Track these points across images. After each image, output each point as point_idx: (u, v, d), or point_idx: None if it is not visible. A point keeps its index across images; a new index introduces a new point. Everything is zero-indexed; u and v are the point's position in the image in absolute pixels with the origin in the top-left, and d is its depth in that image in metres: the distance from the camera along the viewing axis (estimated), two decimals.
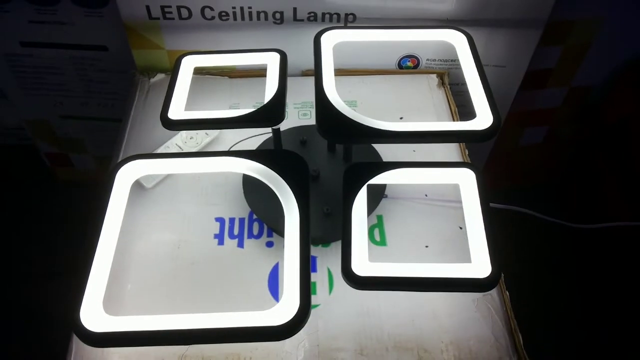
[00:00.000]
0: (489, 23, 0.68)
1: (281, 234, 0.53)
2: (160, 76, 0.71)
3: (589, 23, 0.77)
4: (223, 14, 0.66)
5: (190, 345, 0.46)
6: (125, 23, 0.67)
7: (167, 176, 0.59)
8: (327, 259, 0.53)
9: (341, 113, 0.46)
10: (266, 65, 0.52)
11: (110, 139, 0.66)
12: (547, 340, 0.90)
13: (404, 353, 0.46)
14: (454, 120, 0.66)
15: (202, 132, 0.63)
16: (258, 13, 0.66)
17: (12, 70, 0.85)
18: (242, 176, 0.56)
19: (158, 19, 0.66)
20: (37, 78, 0.87)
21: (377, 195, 0.54)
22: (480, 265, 0.38)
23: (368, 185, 0.43)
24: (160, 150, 0.61)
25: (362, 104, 0.68)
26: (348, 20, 0.67)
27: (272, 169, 0.43)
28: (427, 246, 0.53)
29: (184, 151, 0.61)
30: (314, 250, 0.53)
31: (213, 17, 0.66)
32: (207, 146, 0.63)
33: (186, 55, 0.54)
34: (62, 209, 1.04)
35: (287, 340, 0.41)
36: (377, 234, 0.54)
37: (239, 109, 0.63)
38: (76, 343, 0.47)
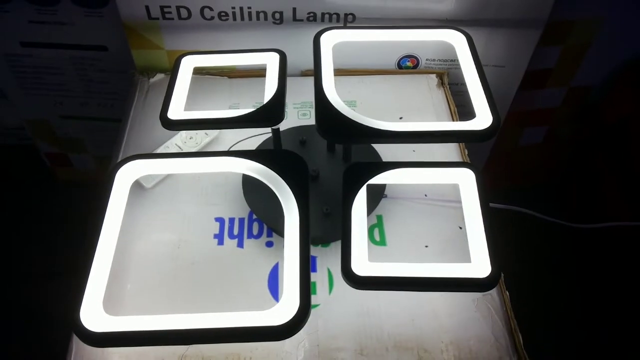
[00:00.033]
0: (488, 23, 0.68)
1: (281, 234, 0.53)
2: (159, 76, 0.71)
3: (588, 23, 0.77)
4: (222, 14, 0.66)
5: (190, 345, 0.46)
6: (124, 23, 0.67)
7: (167, 176, 0.59)
8: (327, 258, 0.53)
9: (341, 113, 0.46)
10: (266, 65, 0.52)
11: (110, 139, 0.66)
12: (547, 340, 0.90)
13: (404, 353, 0.46)
14: (453, 120, 0.66)
15: (201, 132, 0.63)
16: (257, 13, 0.66)
17: (12, 70, 0.85)
18: (241, 176, 0.56)
19: (157, 19, 0.66)
20: (37, 78, 0.87)
21: (376, 195, 0.54)
22: (480, 265, 0.38)
23: (368, 185, 0.43)
24: (159, 150, 0.61)
25: (362, 104, 0.68)
26: (347, 20, 0.67)
27: (271, 169, 0.43)
28: (426, 246, 0.53)
29: (184, 151, 0.61)
30: (314, 250, 0.53)
31: (212, 17, 0.66)
32: (207, 146, 0.63)
33: (186, 55, 0.54)
34: (62, 209, 1.03)
35: (287, 340, 0.41)
36: (377, 234, 0.54)
37: (238, 109, 0.63)
38: (76, 343, 0.47)
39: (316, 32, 0.54)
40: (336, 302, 0.50)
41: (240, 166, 0.45)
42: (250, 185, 0.55)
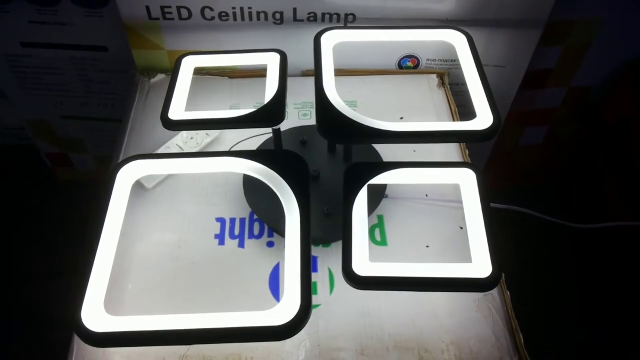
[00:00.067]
0: (488, 23, 0.68)
1: (282, 234, 0.53)
2: (160, 76, 0.71)
3: (589, 23, 0.78)
4: (223, 14, 0.66)
5: (191, 345, 0.46)
6: (125, 23, 0.67)
7: (168, 176, 0.59)
8: (328, 258, 0.53)
9: (341, 113, 0.46)
10: (266, 65, 0.52)
11: (110, 139, 0.66)
12: (548, 340, 0.90)
13: (405, 353, 0.46)
14: (454, 120, 0.66)
15: (202, 132, 0.63)
16: (258, 13, 0.66)
17: (12, 70, 0.85)
18: (242, 176, 0.56)
19: (158, 19, 0.66)
20: (37, 78, 0.87)
21: (377, 195, 0.54)
22: (480, 265, 0.38)
23: (368, 185, 0.43)
24: (160, 151, 0.61)
25: (362, 104, 0.68)
26: (348, 20, 0.67)
27: (272, 169, 0.43)
28: (427, 246, 0.53)
29: (185, 151, 0.61)
30: (315, 250, 0.53)
31: (213, 18, 0.66)
32: (208, 146, 0.63)
33: (186, 55, 0.54)
34: (62, 209, 1.03)
35: (288, 340, 0.41)
36: (378, 234, 0.54)
37: (239, 109, 0.63)
38: (77, 343, 0.47)
39: (316, 32, 0.54)
40: (337, 302, 0.50)
41: (241, 166, 0.45)
42: (251, 186, 0.55)
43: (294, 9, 0.65)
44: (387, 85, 0.71)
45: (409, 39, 0.56)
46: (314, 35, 0.53)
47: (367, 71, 0.72)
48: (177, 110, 0.49)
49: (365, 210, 0.41)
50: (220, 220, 0.56)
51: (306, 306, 0.36)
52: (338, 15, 0.66)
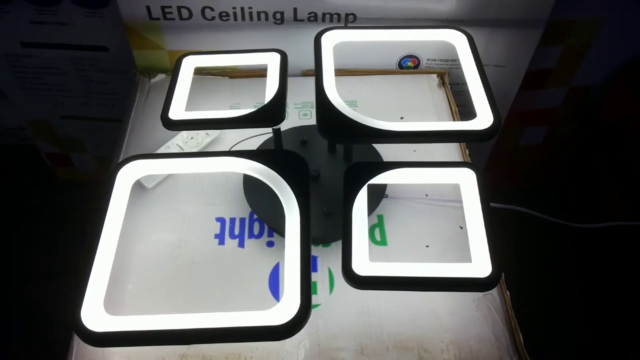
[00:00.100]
0: (489, 23, 0.68)
1: (282, 233, 0.53)
2: (160, 76, 0.71)
3: (589, 23, 0.78)
4: (223, 14, 0.66)
5: (191, 345, 0.46)
6: (125, 23, 0.67)
7: (168, 176, 0.59)
8: (328, 258, 0.53)
9: (341, 113, 0.46)
10: (267, 65, 0.52)
11: (111, 139, 0.66)
12: (548, 340, 0.90)
13: (405, 352, 0.46)
14: (454, 120, 0.66)
15: (202, 132, 0.63)
16: (258, 13, 0.66)
17: (13, 70, 0.85)
18: (242, 176, 0.56)
19: (158, 19, 0.66)
20: (38, 78, 0.87)
21: (377, 195, 0.55)
22: (480, 265, 0.38)
23: (368, 185, 0.43)
24: (160, 151, 0.61)
25: (363, 104, 0.68)
26: (348, 20, 0.67)
27: (272, 169, 0.43)
28: (427, 246, 0.53)
29: (185, 151, 0.61)
30: (315, 250, 0.53)
31: (213, 18, 0.66)
32: (208, 146, 0.63)
33: (187, 55, 0.54)
34: (62, 209, 1.03)
35: (288, 340, 0.41)
36: (378, 234, 0.54)
37: (239, 109, 0.63)
38: (77, 343, 0.47)
39: (317, 32, 0.54)
40: (337, 301, 0.50)
41: (241, 166, 0.45)
42: (251, 185, 0.55)
43: (295, 9, 0.65)
44: (388, 85, 0.71)
45: (409, 39, 0.56)
46: (315, 35, 0.53)
47: (368, 71, 0.72)
48: (178, 110, 0.49)
49: (365, 210, 0.41)
50: (220, 220, 0.56)
51: (306, 306, 0.36)
52: (338, 15, 0.66)
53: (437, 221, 0.55)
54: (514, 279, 0.52)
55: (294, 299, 0.36)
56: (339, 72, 0.50)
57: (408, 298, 0.49)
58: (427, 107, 0.67)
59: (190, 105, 0.50)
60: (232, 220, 0.56)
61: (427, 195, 0.57)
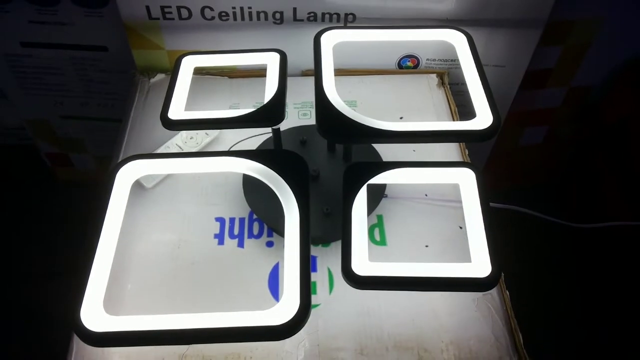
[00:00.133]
0: (488, 23, 0.68)
1: (281, 233, 0.53)
2: (160, 76, 0.71)
3: (589, 23, 0.78)
4: (223, 14, 0.66)
5: (191, 345, 0.46)
6: (125, 23, 0.67)
7: (167, 176, 0.59)
8: (327, 258, 0.53)
9: (341, 113, 0.46)
10: (266, 65, 0.52)
11: (110, 139, 0.66)
12: (547, 340, 0.90)
13: (404, 352, 0.46)
14: (454, 120, 0.66)
15: (202, 132, 0.63)
16: (258, 13, 0.66)
17: (12, 70, 0.85)
18: (242, 176, 0.56)
19: (158, 19, 0.66)
20: (37, 78, 0.87)
21: (377, 195, 0.54)
22: (480, 265, 0.38)
23: (368, 185, 0.43)
24: (160, 150, 0.61)
25: (362, 104, 0.68)
26: (348, 20, 0.67)
27: (272, 169, 0.43)
28: (427, 246, 0.53)
29: (184, 151, 0.61)
30: (314, 250, 0.53)
31: (213, 17, 0.66)
32: (207, 146, 0.63)
33: (186, 55, 0.54)
34: (62, 209, 1.03)
35: (288, 340, 0.41)
36: (377, 234, 0.54)
37: (239, 109, 0.63)
38: (77, 343, 0.47)
39: (316, 32, 0.54)
40: (336, 301, 0.50)
41: (240, 166, 0.45)
42: (251, 185, 0.55)
43: (294, 9, 0.65)
44: (387, 85, 0.71)
45: (409, 38, 0.56)
46: (314, 35, 0.53)
47: (367, 71, 0.72)
48: (177, 110, 0.49)
49: (365, 210, 0.41)
50: (220, 220, 0.56)
51: (305, 306, 0.36)
52: (338, 15, 0.66)
53: (436, 221, 0.55)
54: (513, 279, 0.52)
55: (293, 299, 0.36)
56: (339, 72, 0.50)
57: (408, 298, 0.49)
58: (427, 107, 0.67)
59: (189, 105, 0.50)
60: (232, 220, 0.56)
61: (426, 195, 0.57)
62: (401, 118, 0.65)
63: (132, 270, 0.51)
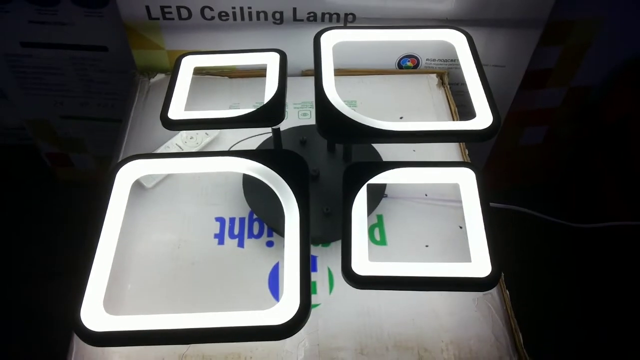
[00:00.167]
0: (488, 23, 0.68)
1: (281, 233, 0.53)
2: (160, 76, 0.71)
3: (588, 23, 0.78)
4: (223, 14, 0.66)
5: (191, 345, 0.46)
6: (125, 23, 0.67)
7: (167, 176, 0.59)
8: (327, 258, 0.53)
9: (341, 113, 0.46)
10: (266, 65, 0.52)
11: (111, 139, 0.66)
12: (547, 340, 0.90)
13: (404, 352, 0.46)
14: (453, 120, 0.66)
15: (202, 132, 0.63)
16: (258, 13, 0.66)
17: (12, 70, 0.85)
18: (242, 176, 0.56)
19: (158, 19, 0.66)
20: (37, 78, 0.87)
21: (377, 194, 0.55)
22: (480, 265, 0.38)
23: (368, 185, 0.43)
24: (160, 150, 0.61)
25: (362, 104, 0.68)
26: (348, 20, 0.67)
27: (272, 169, 0.43)
28: (427, 246, 0.53)
29: (184, 151, 0.61)
30: (314, 250, 0.53)
31: (213, 17, 0.66)
32: (207, 146, 0.63)
33: (186, 55, 0.54)
34: (62, 209, 1.03)
35: (288, 340, 0.41)
36: (377, 234, 0.54)
37: (239, 109, 0.63)
38: (77, 342, 0.47)
39: (316, 32, 0.54)
40: (336, 301, 0.50)
41: (240, 166, 0.45)
42: (251, 185, 0.55)
43: (294, 9, 0.65)
44: (387, 85, 0.71)
45: (408, 38, 0.56)
46: (314, 35, 0.53)
47: (367, 71, 0.72)
48: (177, 110, 0.49)
49: (365, 210, 0.41)
50: (220, 220, 0.56)
51: (305, 306, 0.36)
52: (338, 15, 0.66)
53: (436, 221, 0.55)
54: (513, 279, 0.52)
55: (293, 299, 0.36)
56: (339, 72, 0.50)
57: (408, 298, 0.49)
58: (427, 107, 0.67)
59: (189, 105, 0.50)
60: (232, 220, 0.56)
61: (426, 195, 0.57)
62: (401, 118, 0.65)
63: (132, 270, 0.51)
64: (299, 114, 0.67)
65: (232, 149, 0.62)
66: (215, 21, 0.66)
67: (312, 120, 0.65)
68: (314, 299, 0.50)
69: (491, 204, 0.42)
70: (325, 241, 0.54)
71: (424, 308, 0.49)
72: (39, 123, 0.96)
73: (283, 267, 0.38)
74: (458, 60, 0.52)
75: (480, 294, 0.50)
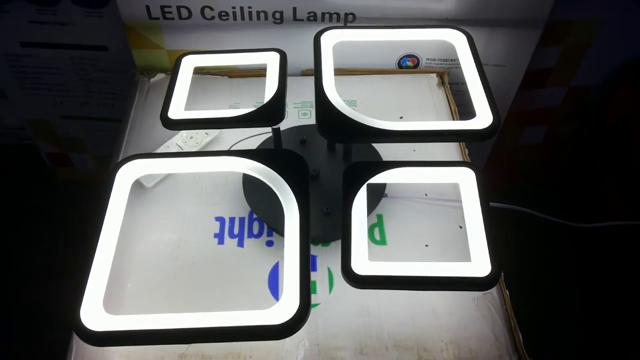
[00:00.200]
0: (488, 23, 0.68)
1: (281, 233, 0.53)
2: (160, 76, 0.71)
3: (588, 23, 0.78)
4: (223, 13, 0.66)
5: (191, 344, 0.46)
6: (125, 23, 0.67)
7: (167, 176, 0.59)
8: (327, 258, 0.53)
9: (341, 113, 0.46)
10: (266, 65, 0.52)
11: (111, 138, 0.66)
12: (547, 339, 0.90)
13: (404, 352, 0.46)
14: (453, 119, 0.66)
15: (202, 132, 0.63)
16: (258, 13, 0.66)
17: (12, 70, 0.85)
18: (242, 176, 0.56)
19: (158, 18, 0.66)
20: (37, 78, 0.87)
21: (377, 194, 0.55)
22: (480, 264, 0.38)
23: (368, 185, 0.43)
24: (160, 150, 0.61)
25: (362, 104, 0.68)
26: (348, 19, 0.67)
27: (272, 169, 0.43)
28: (427, 245, 0.53)
29: (184, 151, 0.61)
30: (314, 250, 0.53)
31: (213, 17, 0.66)
32: (207, 146, 0.63)
33: (186, 55, 0.54)
34: (62, 209, 1.04)
35: (287, 339, 0.41)
36: (377, 233, 0.54)
37: (239, 108, 0.63)
38: (76, 342, 0.47)
39: (316, 31, 0.54)
40: (336, 301, 0.50)
41: (240, 166, 0.45)
42: (251, 185, 0.55)
43: (294, 9, 0.65)
44: (387, 84, 0.71)
45: (408, 38, 0.56)
46: (314, 34, 0.53)
47: (367, 71, 0.72)
48: (177, 110, 0.49)
49: (365, 210, 0.41)
50: (220, 219, 0.56)
51: (305, 305, 0.36)
52: (338, 14, 0.66)
53: (436, 221, 0.55)
54: (513, 279, 0.52)
55: (293, 298, 0.36)
56: (339, 72, 0.50)
57: (408, 297, 0.49)
58: (427, 107, 0.67)
59: (189, 105, 0.50)
60: (232, 219, 0.56)
61: (426, 195, 0.57)
62: (401, 118, 0.65)
63: (132, 269, 0.51)
64: (299, 113, 0.67)
65: (232, 149, 0.62)
66: (216, 21, 0.66)
67: (312, 120, 0.65)
68: (314, 299, 0.50)
69: (491, 204, 0.42)
70: (325, 241, 0.54)
71: (423, 308, 0.49)
72: (39, 123, 0.96)
73: (283, 267, 0.38)
74: (458, 59, 0.52)
75: (480, 293, 0.49)
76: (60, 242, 0.93)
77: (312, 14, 0.66)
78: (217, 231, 0.55)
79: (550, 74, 0.85)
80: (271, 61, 0.52)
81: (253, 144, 0.61)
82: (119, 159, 0.51)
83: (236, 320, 0.35)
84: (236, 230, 0.55)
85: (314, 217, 0.42)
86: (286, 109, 0.49)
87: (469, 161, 0.60)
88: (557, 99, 0.91)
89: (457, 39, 0.53)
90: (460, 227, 0.54)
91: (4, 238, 1.04)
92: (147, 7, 0.65)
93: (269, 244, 0.54)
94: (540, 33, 0.70)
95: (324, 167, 0.56)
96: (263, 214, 0.54)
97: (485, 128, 0.45)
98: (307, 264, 0.38)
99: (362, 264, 0.38)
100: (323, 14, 0.66)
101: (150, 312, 0.36)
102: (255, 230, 0.55)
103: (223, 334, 0.35)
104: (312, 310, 0.45)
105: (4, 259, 1.01)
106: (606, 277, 0.95)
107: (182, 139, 0.62)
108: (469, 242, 0.40)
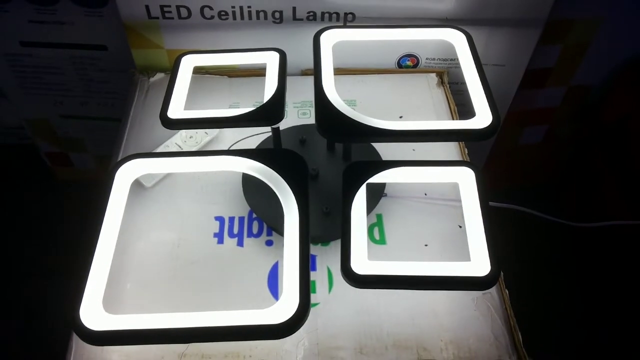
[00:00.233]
0: (488, 22, 0.68)
1: (281, 232, 0.53)
2: (159, 75, 0.71)
3: (588, 22, 0.78)
4: (222, 13, 0.66)
5: (190, 344, 0.46)
6: (124, 23, 0.67)
7: (167, 175, 0.59)
8: (327, 257, 0.53)
9: (341, 112, 0.46)
10: (265, 64, 0.52)
11: (110, 138, 0.66)
12: (547, 339, 0.90)
13: (404, 351, 0.46)
14: (453, 119, 0.66)
15: (201, 132, 0.63)
16: (257, 12, 0.66)
17: (12, 70, 0.85)
18: (241, 175, 0.56)
19: (157, 18, 0.66)
20: (37, 78, 0.87)
21: (376, 194, 0.54)
22: (479, 264, 0.38)
23: (367, 184, 0.43)
24: (159, 150, 0.61)
25: (362, 103, 0.68)
26: (347, 19, 0.67)
27: (271, 168, 0.43)
28: (426, 245, 0.53)
29: (184, 150, 0.61)
30: (314, 249, 0.53)
31: (212, 17, 0.66)
32: (207, 145, 0.63)
33: (186, 54, 0.54)
34: (62, 209, 1.03)
35: (287, 339, 0.41)
36: (377, 233, 0.54)
37: (238, 108, 0.63)
38: (76, 342, 0.47)
39: (316, 31, 0.54)
40: (336, 300, 0.50)
41: (240, 165, 0.45)
42: (250, 184, 0.55)
43: (294, 8, 0.65)
44: (387, 84, 0.71)
45: (408, 38, 0.56)
46: (314, 34, 0.53)
47: (367, 70, 0.72)
48: (177, 109, 0.49)
49: (364, 209, 0.41)
50: (219, 219, 0.56)
51: (305, 305, 0.36)
52: (337, 14, 0.66)
53: (436, 220, 0.55)
54: (513, 279, 0.52)
55: (292, 298, 0.36)
56: (338, 71, 0.50)
57: (407, 297, 0.49)
58: (426, 106, 0.67)
59: (189, 105, 0.50)
60: (231, 219, 0.56)
61: (426, 195, 0.57)
62: (401, 117, 0.65)
63: (131, 269, 0.51)
64: (299, 113, 0.67)
65: (231, 148, 0.62)
66: (215, 20, 0.66)
67: (311, 120, 0.65)
68: (314, 298, 0.50)
69: (491, 203, 0.42)
70: (324, 240, 0.54)
71: (423, 307, 0.49)
72: (39, 122, 0.96)
73: (282, 266, 0.38)
74: (458, 59, 0.52)
75: (479, 293, 0.49)
76: (60, 241, 0.93)
77: (311, 13, 0.66)
78: (217, 231, 0.55)
79: (550, 73, 0.85)
80: (271, 61, 0.52)
81: (252, 143, 0.61)
82: (119, 159, 0.51)
83: (236, 320, 0.35)
84: (236, 230, 0.55)
85: (313, 216, 0.42)
86: (286, 109, 0.49)
87: (469, 161, 0.60)
88: (557, 99, 0.91)
89: (456, 39, 0.53)
90: (460, 227, 0.54)
91: (3, 238, 1.04)
92: (147, 7, 0.65)
93: (269, 243, 0.54)
94: (540, 32, 0.70)
95: (324, 167, 0.56)
96: (263, 213, 0.54)
97: (485, 128, 0.45)
98: (306, 264, 0.38)
99: (361, 264, 0.38)
100: (323, 13, 0.66)
101: (149, 311, 0.36)
102: (255, 230, 0.55)
103: (222, 333, 0.35)
104: (312, 310, 0.45)
105: (3, 259, 1.01)
106: (606, 277, 0.95)
107: (182, 139, 0.62)
108: (469, 241, 0.40)
